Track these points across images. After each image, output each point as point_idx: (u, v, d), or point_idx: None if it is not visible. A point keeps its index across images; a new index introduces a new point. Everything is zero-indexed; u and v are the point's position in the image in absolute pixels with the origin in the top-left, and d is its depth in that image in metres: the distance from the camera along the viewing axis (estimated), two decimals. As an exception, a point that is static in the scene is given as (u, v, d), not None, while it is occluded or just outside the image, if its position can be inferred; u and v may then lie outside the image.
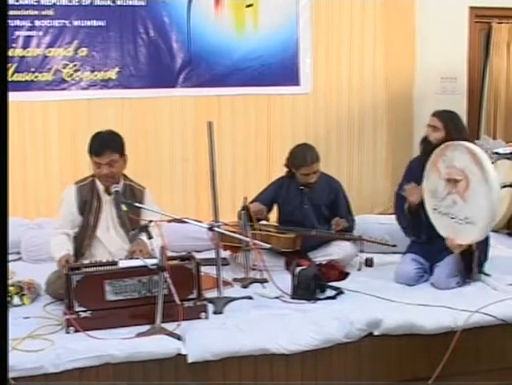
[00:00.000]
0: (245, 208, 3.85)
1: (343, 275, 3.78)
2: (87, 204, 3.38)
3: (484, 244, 3.56)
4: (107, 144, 3.33)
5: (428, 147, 3.64)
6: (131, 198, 3.39)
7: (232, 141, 5.11)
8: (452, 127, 3.60)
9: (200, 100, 5.01)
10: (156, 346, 2.68)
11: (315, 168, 4.01)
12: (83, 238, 3.39)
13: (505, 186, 4.21)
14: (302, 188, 4.06)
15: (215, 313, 3.09)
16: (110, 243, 3.40)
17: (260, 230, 3.89)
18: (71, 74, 4.78)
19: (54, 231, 3.45)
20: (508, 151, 4.95)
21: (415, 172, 3.70)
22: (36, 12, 4.66)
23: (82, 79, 4.80)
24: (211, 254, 3.63)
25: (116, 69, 4.84)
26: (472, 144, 3.37)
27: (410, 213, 3.68)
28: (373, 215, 4.91)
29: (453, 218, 3.39)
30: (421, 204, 3.61)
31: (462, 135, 3.57)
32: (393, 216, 3.93)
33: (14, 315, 2.87)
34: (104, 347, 2.65)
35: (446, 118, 3.65)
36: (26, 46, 4.67)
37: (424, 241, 3.72)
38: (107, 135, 3.40)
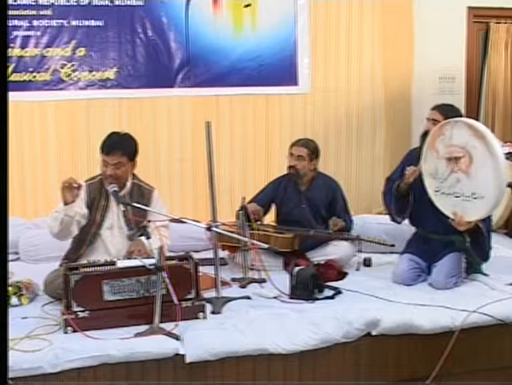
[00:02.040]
0: (244, 208, 3.85)
1: (341, 275, 3.79)
2: (95, 202, 3.39)
3: (488, 224, 3.52)
4: (118, 145, 3.36)
5: None
6: (138, 198, 3.41)
7: (230, 141, 5.10)
8: None
9: (198, 100, 5.00)
10: (154, 346, 2.68)
11: (303, 152, 4.01)
12: (86, 235, 3.39)
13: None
14: (300, 188, 4.08)
15: (213, 313, 3.09)
16: (112, 242, 3.42)
17: (258, 230, 3.90)
18: (69, 74, 4.77)
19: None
20: (506, 151, 4.95)
21: (412, 161, 3.69)
22: (34, 12, 4.65)
23: (80, 79, 4.79)
24: (209, 254, 3.64)
25: (114, 69, 4.84)
26: (470, 119, 3.36)
27: (398, 193, 3.70)
28: (371, 215, 4.91)
29: (458, 196, 3.35)
30: (410, 189, 3.65)
31: None
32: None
33: (12, 315, 2.85)
34: (102, 347, 2.65)
35: (447, 111, 3.66)
36: (24, 46, 4.66)
37: (421, 235, 3.74)
38: (122, 137, 3.43)
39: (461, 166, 3.30)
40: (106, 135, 3.44)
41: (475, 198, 3.26)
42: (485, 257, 3.54)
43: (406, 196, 3.71)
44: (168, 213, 3.27)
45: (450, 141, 3.34)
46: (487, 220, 3.48)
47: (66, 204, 3.18)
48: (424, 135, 3.74)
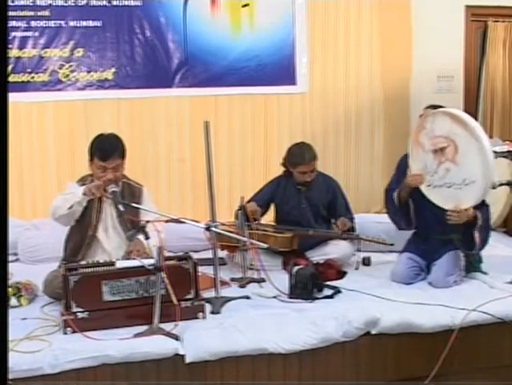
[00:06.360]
0: (243, 207, 3.85)
1: (341, 274, 3.79)
2: (89, 204, 3.37)
3: (486, 213, 3.49)
4: (114, 149, 3.34)
5: None
6: (129, 196, 3.41)
7: (229, 141, 5.10)
8: None
9: (196, 100, 4.99)
10: (154, 346, 2.68)
11: (313, 167, 4.02)
12: (83, 238, 3.39)
13: (501, 184, 4.21)
14: (299, 187, 4.08)
15: (213, 313, 3.09)
16: (108, 242, 3.41)
17: (257, 230, 3.90)
18: (68, 75, 4.77)
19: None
20: (505, 150, 4.95)
21: (404, 168, 3.69)
22: (32, 13, 4.65)
23: (78, 80, 4.79)
24: (208, 254, 3.64)
25: (113, 69, 4.83)
26: (448, 108, 3.36)
27: (400, 202, 3.67)
28: (370, 214, 4.91)
29: (449, 186, 3.34)
30: (411, 195, 3.62)
31: None
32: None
33: (11, 316, 2.82)
34: (102, 348, 2.65)
35: None
36: (22, 46, 4.66)
37: (420, 234, 3.73)
38: (113, 140, 3.40)
39: (447, 156, 3.30)
40: (93, 141, 3.40)
41: (466, 184, 3.25)
42: (476, 248, 3.49)
43: (408, 203, 3.67)
44: (167, 214, 3.27)
45: (433, 133, 3.34)
46: (485, 211, 3.47)
47: (85, 194, 3.23)
48: None
